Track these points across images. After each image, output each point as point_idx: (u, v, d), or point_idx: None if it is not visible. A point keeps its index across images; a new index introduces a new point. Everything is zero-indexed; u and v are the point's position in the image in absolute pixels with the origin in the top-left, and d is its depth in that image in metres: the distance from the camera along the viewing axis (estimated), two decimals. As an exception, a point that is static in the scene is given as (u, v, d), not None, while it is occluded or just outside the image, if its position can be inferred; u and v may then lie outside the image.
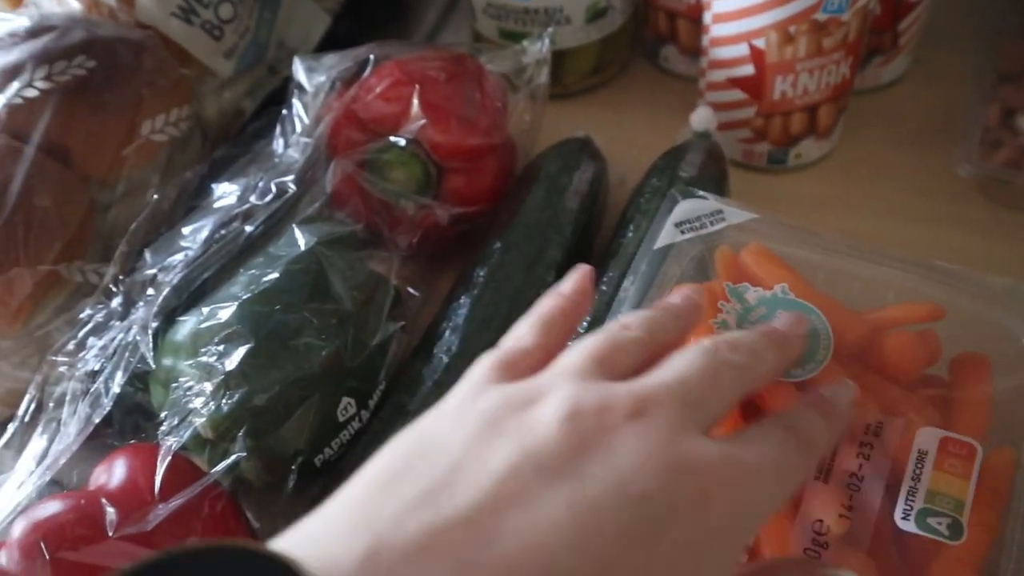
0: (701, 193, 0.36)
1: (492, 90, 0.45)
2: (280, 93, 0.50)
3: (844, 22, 0.43)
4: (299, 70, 0.44)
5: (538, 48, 0.47)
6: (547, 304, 0.27)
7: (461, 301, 0.39)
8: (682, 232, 0.35)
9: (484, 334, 0.38)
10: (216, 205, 0.40)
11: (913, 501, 0.28)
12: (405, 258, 0.43)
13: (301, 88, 0.44)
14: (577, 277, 0.28)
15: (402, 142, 0.42)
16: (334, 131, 0.42)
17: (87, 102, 0.42)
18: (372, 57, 0.43)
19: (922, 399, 0.30)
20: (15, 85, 0.41)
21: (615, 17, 0.52)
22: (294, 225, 0.37)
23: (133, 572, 0.16)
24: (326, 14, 0.53)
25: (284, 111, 0.45)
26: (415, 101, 0.42)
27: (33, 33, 0.43)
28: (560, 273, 0.41)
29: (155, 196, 0.44)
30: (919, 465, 0.28)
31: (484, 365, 0.24)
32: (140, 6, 0.46)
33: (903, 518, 0.28)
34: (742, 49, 0.44)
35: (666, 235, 0.35)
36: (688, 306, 0.28)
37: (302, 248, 0.36)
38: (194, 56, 0.47)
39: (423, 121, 0.42)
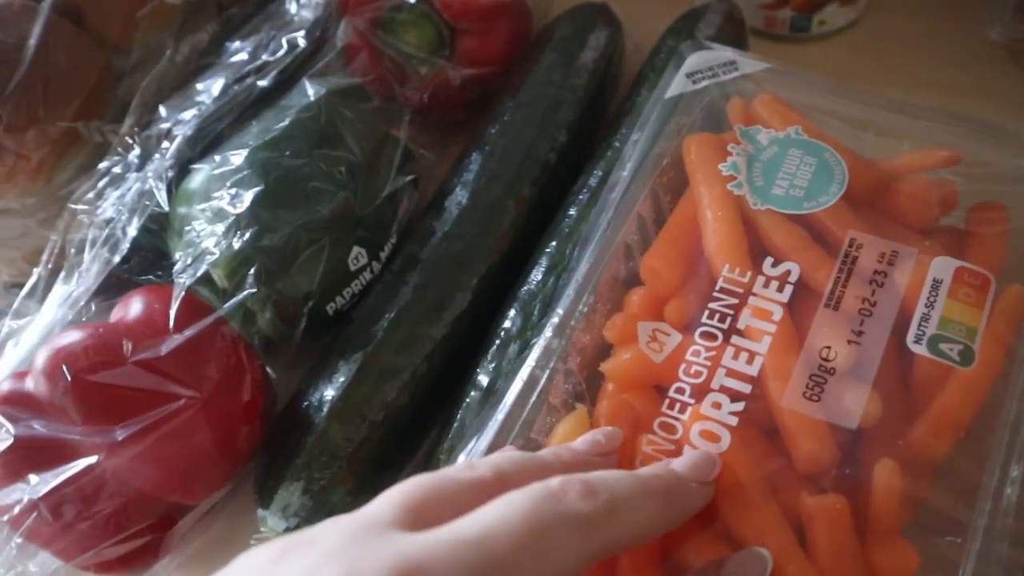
0: (713, 45, 0.36)
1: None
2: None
3: None
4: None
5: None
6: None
7: (472, 158, 0.40)
8: (693, 82, 0.35)
9: (493, 187, 0.39)
10: (229, 61, 0.41)
11: (926, 327, 0.28)
12: (417, 120, 0.43)
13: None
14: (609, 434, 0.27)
15: (414, 1, 0.42)
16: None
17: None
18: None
19: (937, 239, 0.31)
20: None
21: None
22: (304, 78, 0.39)
23: None
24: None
25: None
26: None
27: None
28: (572, 133, 0.42)
29: (168, 52, 0.45)
30: (933, 293, 0.29)
31: None
32: None
33: (915, 342, 0.28)
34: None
35: (677, 85, 0.35)
36: (592, 449, 0.25)
37: (311, 99, 0.37)
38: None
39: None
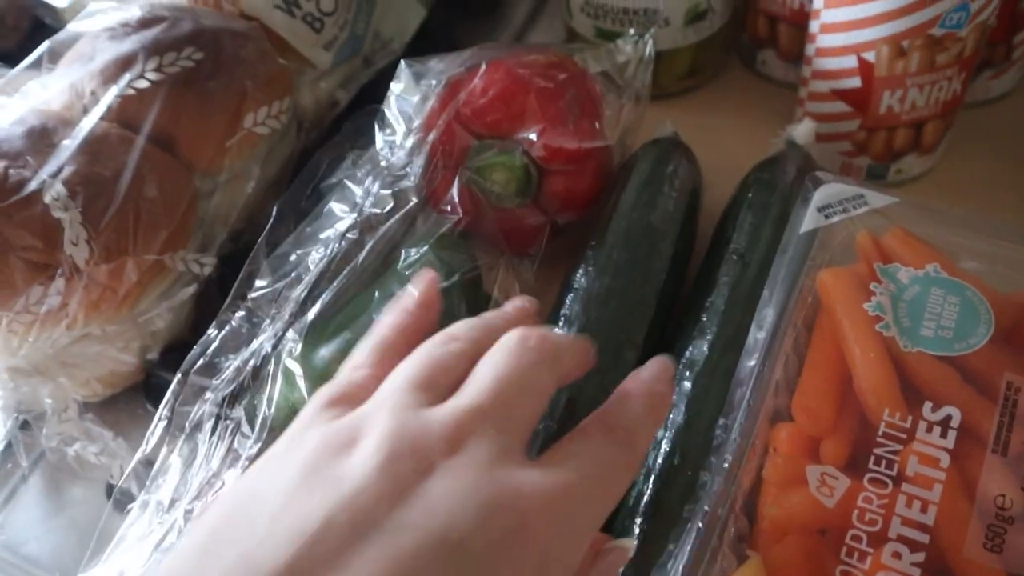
0: (839, 178, 0.38)
1: (594, 94, 0.47)
2: (373, 85, 0.52)
3: (961, 38, 0.44)
4: (404, 73, 0.46)
5: (634, 48, 0.49)
6: (385, 324, 0.29)
7: (572, 306, 0.41)
8: (826, 216, 0.37)
9: (608, 334, 0.40)
10: (329, 208, 0.42)
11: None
12: (506, 260, 0.44)
13: (404, 90, 0.46)
14: (422, 287, 0.30)
15: (506, 145, 0.44)
16: (440, 133, 0.44)
17: (194, 93, 0.44)
18: (482, 64, 0.45)
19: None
20: (127, 76, 0.43)
21: (714, 20, 0.54)
22: (429, 248, 0.40)
23: None
24: (421, 6, 0.55)
25: (385, 110, 0.46)
26: (521, 106, 0.43)
27: (144, 24, 0.45)
28: (671, 274, 0.42)
29: (252, 186, 0.46)
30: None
31: (315, 401, 0.26)
32: (245, -3, 0.48)
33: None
34: (850, 61, 0.46)
35: (810, 220, 0.37)
36: (519, 313, 0.30)
37: (418, 256, 0.39)
38: (294, 48, 0.49)
39: (528, 125, 0.43)
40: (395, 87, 0.45)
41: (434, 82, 0.44)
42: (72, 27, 0.47)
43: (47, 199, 0.39)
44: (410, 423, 0.23)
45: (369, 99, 0.52)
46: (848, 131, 0.49)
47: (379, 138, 0.45)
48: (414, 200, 0.42)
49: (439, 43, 0.59)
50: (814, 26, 0.47)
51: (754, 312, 0.37)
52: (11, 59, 0.69)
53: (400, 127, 0.45)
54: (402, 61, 0.46)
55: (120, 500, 0.42)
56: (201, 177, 0.45)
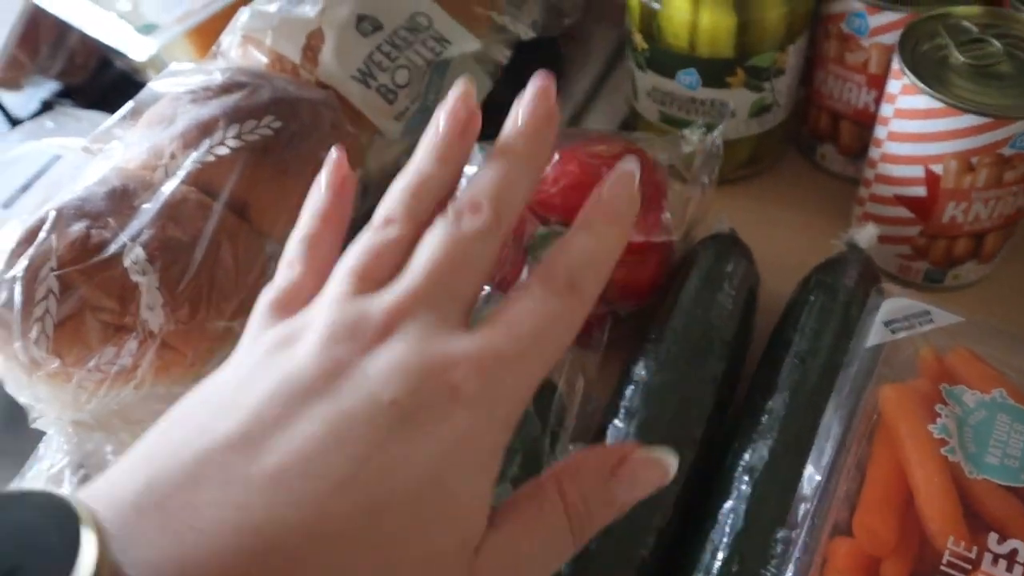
0: (904, 289, 0.39)
1: (660, 186, 0.48)
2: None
3: (1029, 156, 0.45)
4: (478, 158, 0.47)
5: (701, 139, 0.50)
6: (307, 218, 0.31)
7: (631, 399, 0.42)
8: (892, 331, 0.38)
9: (667, 429, 0.40)
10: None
11: None
12: (570, 351, 0.45)
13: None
14: (328, 168, 0.32)
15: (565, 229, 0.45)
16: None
17: (271, 162, 0.45)
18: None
19: None
20: (207, 142, 0.45)
21: (777, 113, 0.55)
22: None
23: None
24: (487, 78, 0.57)
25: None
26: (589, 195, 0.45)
27: (225, 89, 0.47)
28: (728, 371, 0.44)
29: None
30: None
31: (260, 309, 0.28)
32: (323, 66, 0.50)
33: None
34: (916, 171, 0.47)
35: (876, 334, 0.38)
36: (457, 137, 0.30)
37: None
38: (367, 117, 0.50)
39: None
40: (468, 171, 0.47)
41: None
42: (154, 86, 0.49)
43: (127, 262, 0.41)
44: (347, 311, 0.26)
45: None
46: (908, 236, 0.50)
47: None
48: (487, 289, 0.43)
49: (503, 114, 0.61)
50: (881, 132, 0.48)
51: (815, 419, 0.38)
52: (79, 94, 0.71)
53: None
54: (476, 145, 0.47)
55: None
56: (272, 244, 0.46)
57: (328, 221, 0.30)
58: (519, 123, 0.29)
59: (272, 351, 0.26)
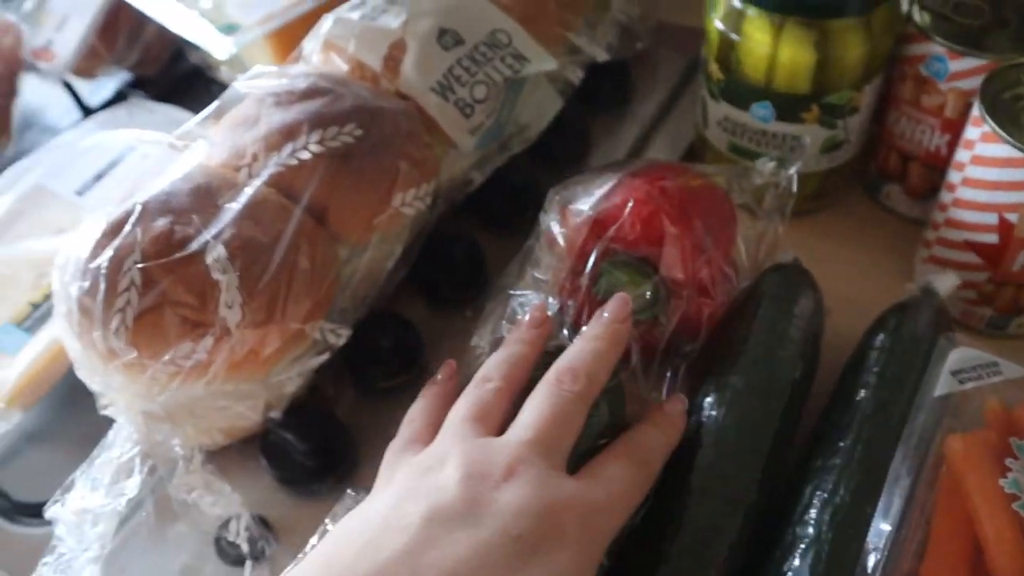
0: (972, 343, 0.39)
1: (732, 221, 0.48)
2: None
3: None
4: (553, 203, 0.48)
5: (772, 171, 0.50)
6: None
7: (691, 429, 0.41)
8: (960, 382, 0.38)
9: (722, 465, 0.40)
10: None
11: None
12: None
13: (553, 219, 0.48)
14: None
15: (639, 264, 0.45)
16: (580, 247, 0.46)
17: (351, 169, 0.46)
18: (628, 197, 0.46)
19: None
20: (290, 145, 0.45)
21: (848, 150, 0.55)
22: None
23: None
24: (559, 97, 0.57)
25: (535, 246, 0.49)
26: (661, 231, 0.45)
27: (308, 94, 0.48)
28: (791, 407, 0.43)
29: (392, 263, 0.48)
30: None
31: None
32: (404, 76, 0.50)
33: None
34: (990, 218, 0.47)
35: (944, 384, 0.38)
36: (536, 329, 0.41)
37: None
38: (443, 130, 0.51)
39: (665, 249, 0.45)
40: (544, 219, 0.47)
41: (584, 211, 0.46)
42: (238, 87, 0.50)
43: (208, 260, 0.41)
44: (476, 451, 0.33)
45: (499, 180, 0.55)
46: (976, 281, 0.50)
47: (529, 276, 0.47)
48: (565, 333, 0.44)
49: (569, 132, 0.61)
50: (955, 177, 0.48)
51: (882, 464, 0.38)
52: (150, 85, 0.72)
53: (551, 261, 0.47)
54: (550, 191, 0.48)
55: (227, 552, 0.44)
56: (346, 250, 0.46)
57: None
58: (604, 316, 0.41)
59: (418, 477, 0.33)
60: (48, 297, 0.52)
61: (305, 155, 0.45)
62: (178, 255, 0.41)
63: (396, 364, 0.50)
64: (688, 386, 0.45)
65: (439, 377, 0.42)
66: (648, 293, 0.46)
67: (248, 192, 0.44)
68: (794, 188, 0.49)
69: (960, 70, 0.50)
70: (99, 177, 0.58)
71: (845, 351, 0.48)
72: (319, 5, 0.58)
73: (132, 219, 0.42)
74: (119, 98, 0.72)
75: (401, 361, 0.50)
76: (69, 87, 0.71)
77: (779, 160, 0.50)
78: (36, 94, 0.73)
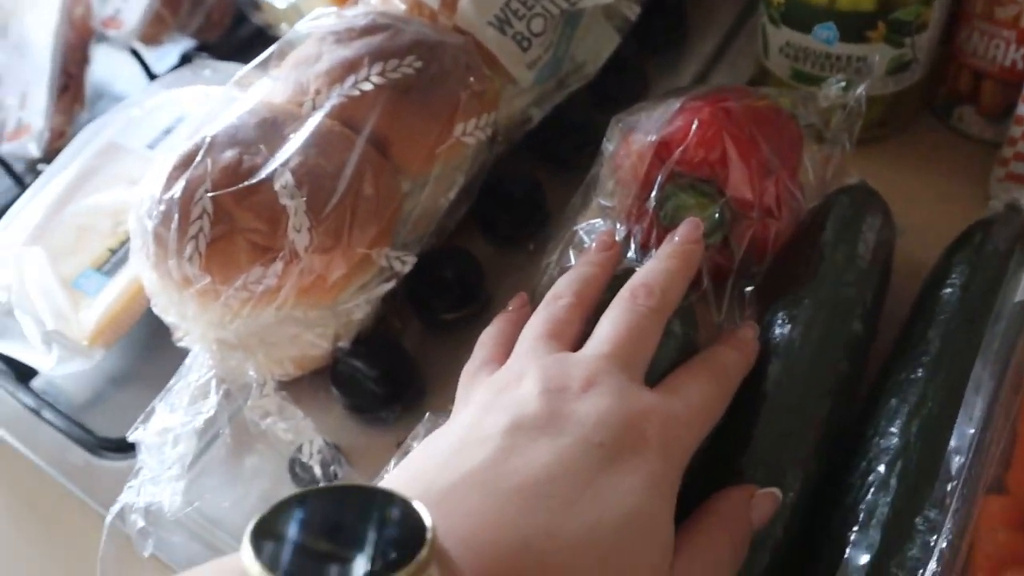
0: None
1: (797, 144, 0.47)
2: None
3: None
4: (615, 131, 0.47)
5: (838, 94, 0.48)
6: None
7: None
8: None
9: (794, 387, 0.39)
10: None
11: None
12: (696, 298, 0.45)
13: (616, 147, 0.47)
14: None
15: (704, 186, 0.44)
16: (645, 171, 0.45)
17: (412, 100, 0.46)
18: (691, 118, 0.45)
19: None
20: (352, 78, 0.46)
21: (916, 71, 0.53)
22: None
23: (277, 507, 0.20)
24: (616, 33, 0.56)
25: (600, 172, 0.48)
26: (725, 154, 0.44)
27: (368, 31, 0.48)
28: (866, 323, 0.42)
29: (454, 192, 0.48)
30: None
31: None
32: (461, 12, 0.50)
33: None
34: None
35: None
36: (606, 252, 0.40)
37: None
38: (501, 64, 0.51)
39: (729, 171, 0.44)
40: (608, 146, 0.47)
41: (647, 137, 0.45)
42: (299, 28, 0.50)
43: (276, 186, 0.42)
44: (552, 364, 0.33)
45: (558, 118, 0.54)
46: (1055, 195, 0.47)
47: (595, 204, 0.47)
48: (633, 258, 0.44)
49: (627, 70, 0.60)
50: (1033, 87, 0.46)
51: (965, 375, 0.36)
52: (214, 49, 0.74)
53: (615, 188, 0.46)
54: (613, 119, 0.47)
55: (301, 476, 0.44)
56: (408, 180, 0.47)
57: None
58: (676, 238, 0.40)
59: (498, 394, 0.33)
60: (124, 243, 0.54)
61: (367, 86, 0.46)
62: (247, 183, 0.42)
63: (459, 297, 0.50)
64: (756, 308, 0.45)
65: (511, 307, 0.42)
66: (716, 215, 0.45)
67: (312, 123, 0.44)
68: (863, 108, 0.47)
69: (1036, -23, 0.48)
70: (168, 131, 0.60)
71: (918, 275, 0.46)
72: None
73: (202, 151, 0.43)
74: (183, 62, 0.73)
75: (464, 294, 0.50)
76: (137, 55, 0.73)
77: (847, 82, 0.48)
78: (105, 64, 0.75)
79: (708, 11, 0.65)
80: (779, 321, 0.42)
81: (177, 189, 0.42)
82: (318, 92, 0.46)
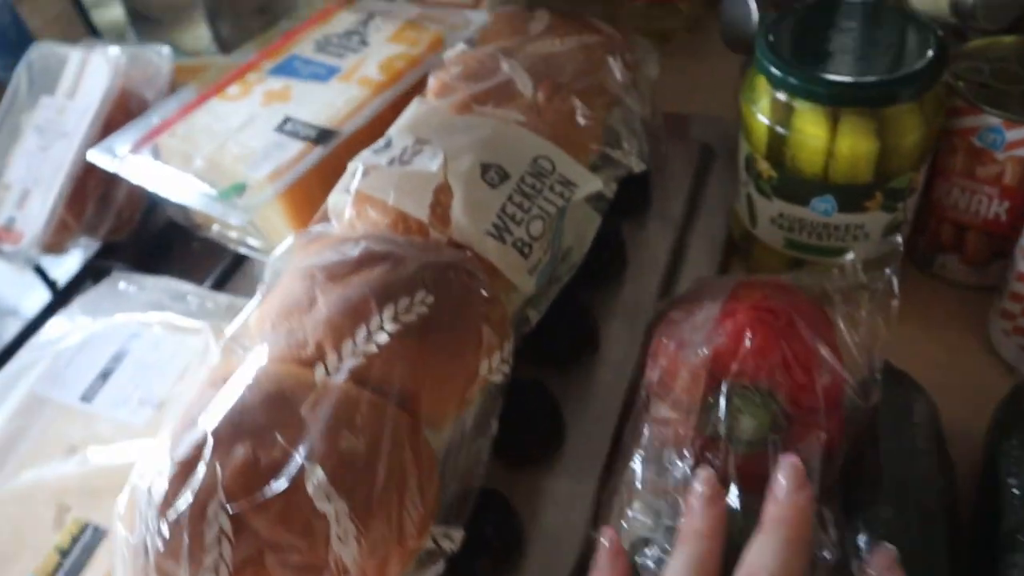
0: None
1: (831, 332, 0.44)
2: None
3: None
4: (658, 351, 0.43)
5: (850, 275, 0.46)
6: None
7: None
8: None
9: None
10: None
11: None
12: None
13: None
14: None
15: (757, 395, 0.41)
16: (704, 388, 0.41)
17: (433, 344, 0.40)
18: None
19: None
20: (363, 329, 0.39)
21: (904, 229, 0.53)
22: None
23: None
24: (597, 214, 0.53)
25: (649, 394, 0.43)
26: (779, 359, 0.41)
27: (364, 263, 0.42)
28: (946, 512, 0.40)
29: (490, 439, 0.42)
30: None
31: None
32: (456, 224, 0.45)
33: None
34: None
35: None
36: (713, 510, 0.36)
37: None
38: (501, 273, 0.45)
39: (783, 375, 0.41)
40: (652, 375, 0.43)
41: (698, 350, 0.41)
42: (276, 265, 0.43)
43: (309, 488, 0.34)
44: None
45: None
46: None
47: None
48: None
49: (606, 248, 0.57)
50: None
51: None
52: (120, 251, 0.64)
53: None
54: (655, 338, 0.43)
55: None
56: (436, 435, 0.40)
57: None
58: (784, 498, 0.35)
59: None
60: (77, 539, 0.43)
61: (382, 338, 0.39)
62: (269, 489, 0.34)
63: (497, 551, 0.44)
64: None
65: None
66: (767, 424, 0.41)
67: (332, 393, 0.37)
68: (895, 291, 0.45)
69: (1018, 138, 0.48)
70: (105, 376, 0.50)
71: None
72: (329, 153, 0.52)
73: (206, 453, 0.35)
74: (89, 271, 0.63)
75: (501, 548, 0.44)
76: (39, 269, 0.62)
77: (863, 262, 0.46)
78: (-7, 276, 0.64)
79: (665, 176, 0.62)
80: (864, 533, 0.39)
81: (182, 506, 0.34)
82: (319, 346, 0.39)
